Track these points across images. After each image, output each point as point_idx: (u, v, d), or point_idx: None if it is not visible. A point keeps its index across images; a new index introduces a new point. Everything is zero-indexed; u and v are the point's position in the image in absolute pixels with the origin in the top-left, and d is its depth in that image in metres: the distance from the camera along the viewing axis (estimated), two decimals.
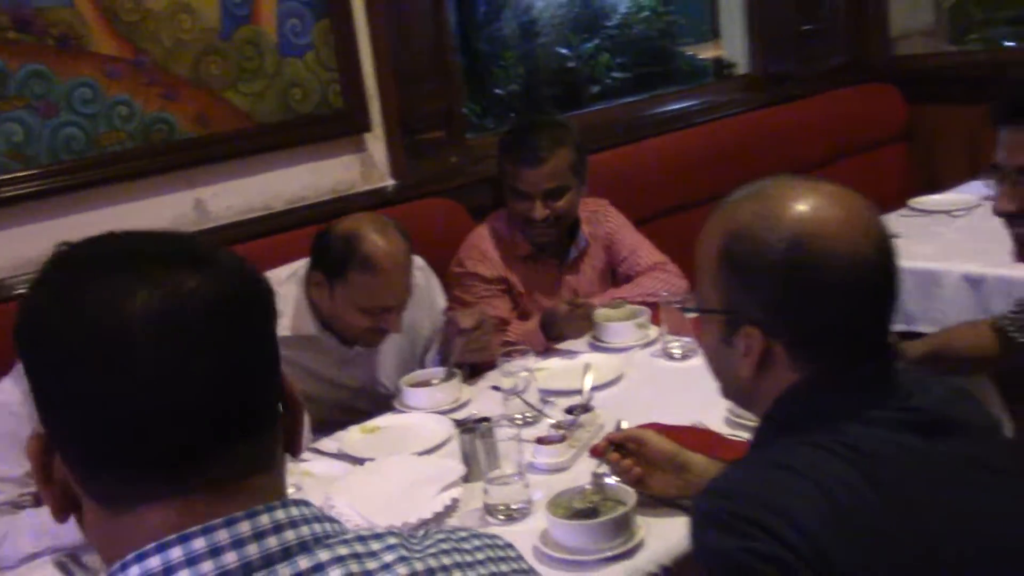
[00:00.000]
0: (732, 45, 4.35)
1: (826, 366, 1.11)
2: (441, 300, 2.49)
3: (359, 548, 0.75)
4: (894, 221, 3.10)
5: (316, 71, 2.78)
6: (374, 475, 1.83)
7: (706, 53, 4.75)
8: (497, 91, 5.99)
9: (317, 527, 0.75)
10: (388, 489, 1.76)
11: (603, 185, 2.92)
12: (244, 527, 0.72)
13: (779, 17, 4.15)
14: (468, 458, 1.82)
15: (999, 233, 1.83)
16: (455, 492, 1.72)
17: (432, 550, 0.78)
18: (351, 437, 2.07)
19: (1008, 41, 7.53)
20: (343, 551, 0.74)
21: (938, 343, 1.97)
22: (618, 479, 1.62)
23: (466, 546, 0.81)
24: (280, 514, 0.74)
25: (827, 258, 1.07)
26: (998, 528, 1.07)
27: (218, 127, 2.61)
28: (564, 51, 6.20)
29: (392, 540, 0.77)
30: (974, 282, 2.57)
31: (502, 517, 1.68)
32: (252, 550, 0.71)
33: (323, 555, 0.73)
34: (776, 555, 0.97)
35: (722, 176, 3.85)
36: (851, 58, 4.34)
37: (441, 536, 0.81)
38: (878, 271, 1.10)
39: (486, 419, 1.88)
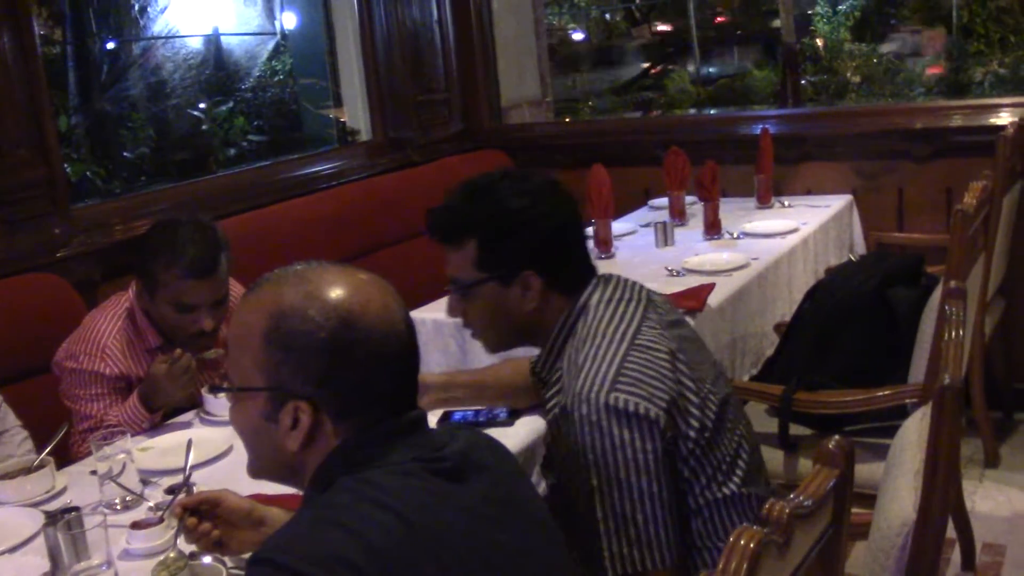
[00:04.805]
0: (354, 112, 4.49)
1: (365, 427, 1.21)
2: None
3: None
4: None
5: None
6: None
7: (345, 117, 4.87)
8: (125, 154, 5.74)
9: None
10: None
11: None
12: None
13: (397, 86, 4.35)
14: (53, 552, 1.71)
15: None
16: None
17: None
18: None
19: (613, 109, 8.40)
20: None
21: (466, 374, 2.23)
22: (196, 544, 1.60)
23: None
24: None
25: (369, 335, 1.20)
26: (514, 558, 1.20)
27: None
28: (197, 113, 6.07)
29: None
30: None
31: None
32: None
33: None
34: None
35: (346, 240, 3.98)
36: (465, 126, 4.63)
37: None
38: (406, 342, 1.25)
39: (75, 508, 1.79)
